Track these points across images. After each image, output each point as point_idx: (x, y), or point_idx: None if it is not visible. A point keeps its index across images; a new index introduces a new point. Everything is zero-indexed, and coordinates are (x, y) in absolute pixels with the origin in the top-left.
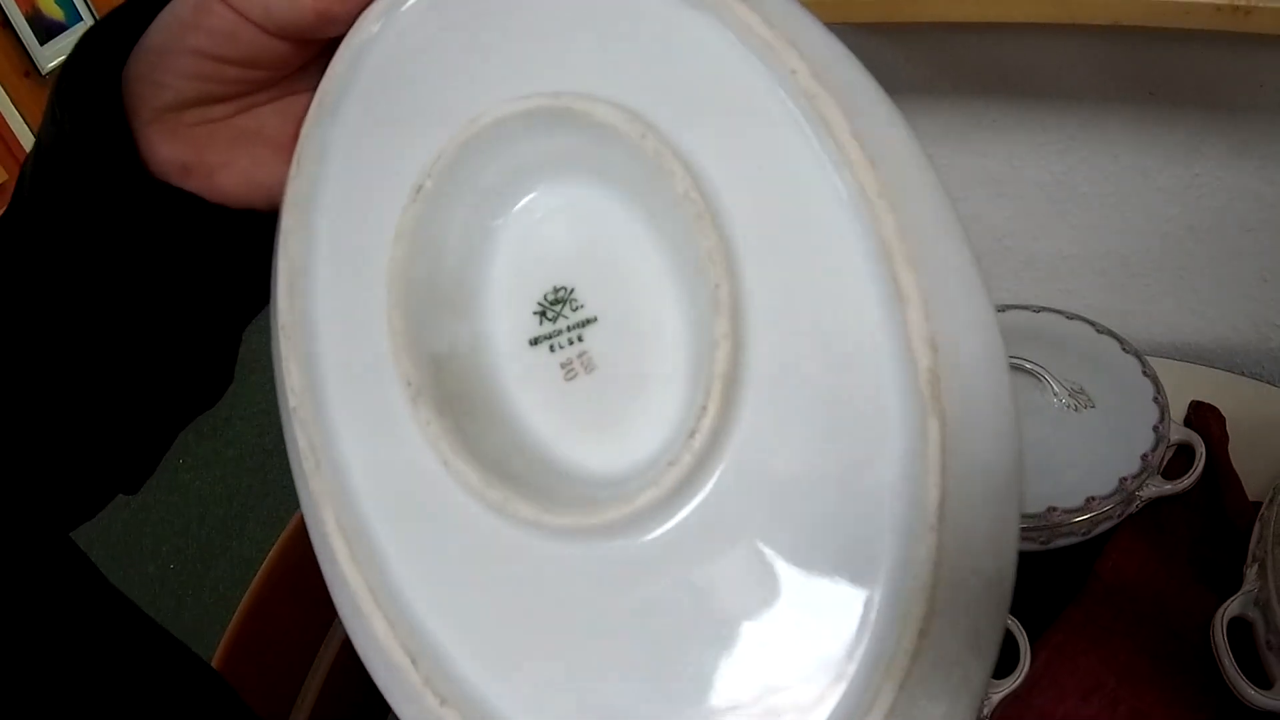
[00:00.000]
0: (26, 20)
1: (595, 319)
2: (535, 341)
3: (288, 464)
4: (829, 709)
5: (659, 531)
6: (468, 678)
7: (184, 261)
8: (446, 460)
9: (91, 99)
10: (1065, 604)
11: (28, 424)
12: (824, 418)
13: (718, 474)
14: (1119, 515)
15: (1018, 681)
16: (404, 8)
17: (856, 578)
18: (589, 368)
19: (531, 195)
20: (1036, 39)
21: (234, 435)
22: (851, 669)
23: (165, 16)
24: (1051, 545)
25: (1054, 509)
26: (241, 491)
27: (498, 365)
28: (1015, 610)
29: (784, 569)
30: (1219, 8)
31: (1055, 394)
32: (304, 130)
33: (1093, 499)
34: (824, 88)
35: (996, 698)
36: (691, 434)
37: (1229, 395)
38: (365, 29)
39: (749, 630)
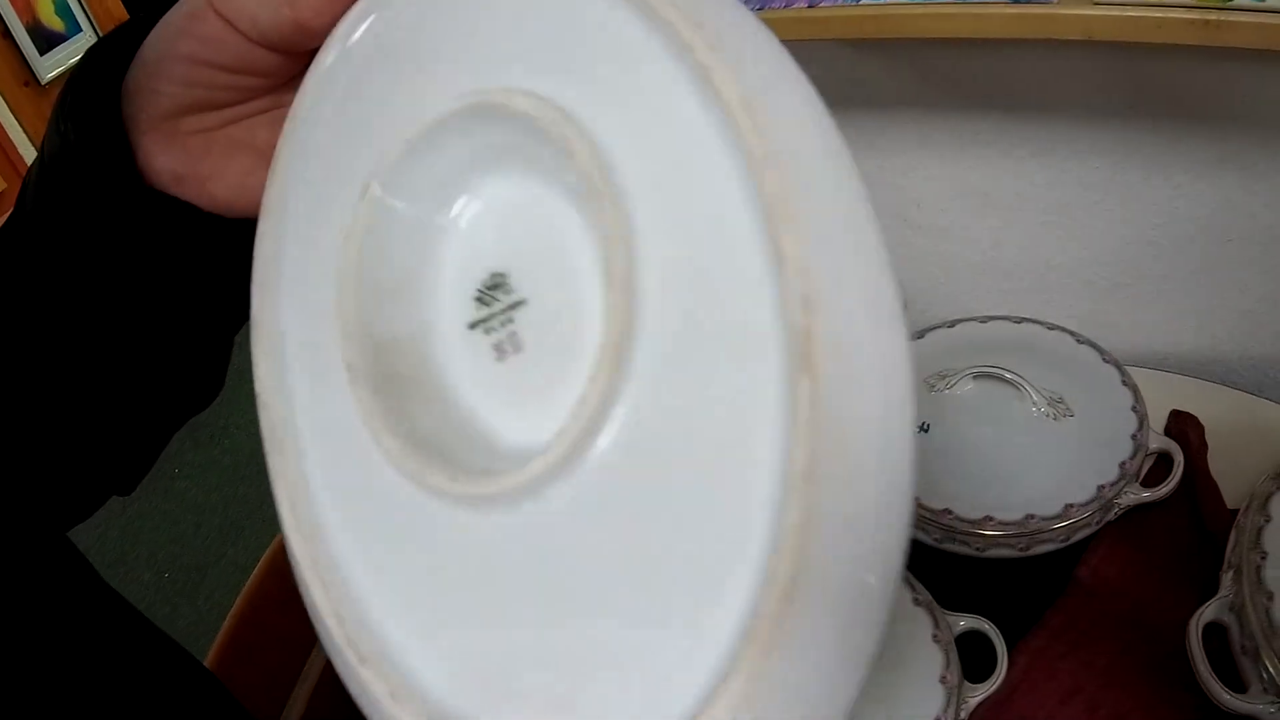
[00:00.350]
0: (27, 30)
1: (525, 301)
2: (473, 325)
3: None
4: (694, 673)
5: (554, 499)
6: (387, 638)
7: (179, 267)
8: (376, 435)
9: (93, 110)
10: (1044, 610)
11: (24, 425)
12: (708, 382)
13: (605, 442)
14: (1097, 522)
15: (995, 686)
16: (354, 37)
17: (729, 541)
18: (517, 347)
19: (473, 188)
20: (1015, 54)
21: (230, 444)
22: (715, 633)
23: (161, 27)
24: (1030, 552)
25: (1032, 516)
26: (237, 499)
27: (439, 349)
28: (994, 615)
29: (663, 534)
30: (1190, 22)
31: (1034, 403)
32: (279, 142)
33: (1071, 506)
34: (720, 59)
35: (974, 701)
36: (581, 403)
37: (1209, 404)
38: (325, 54)
39: (628, 595)
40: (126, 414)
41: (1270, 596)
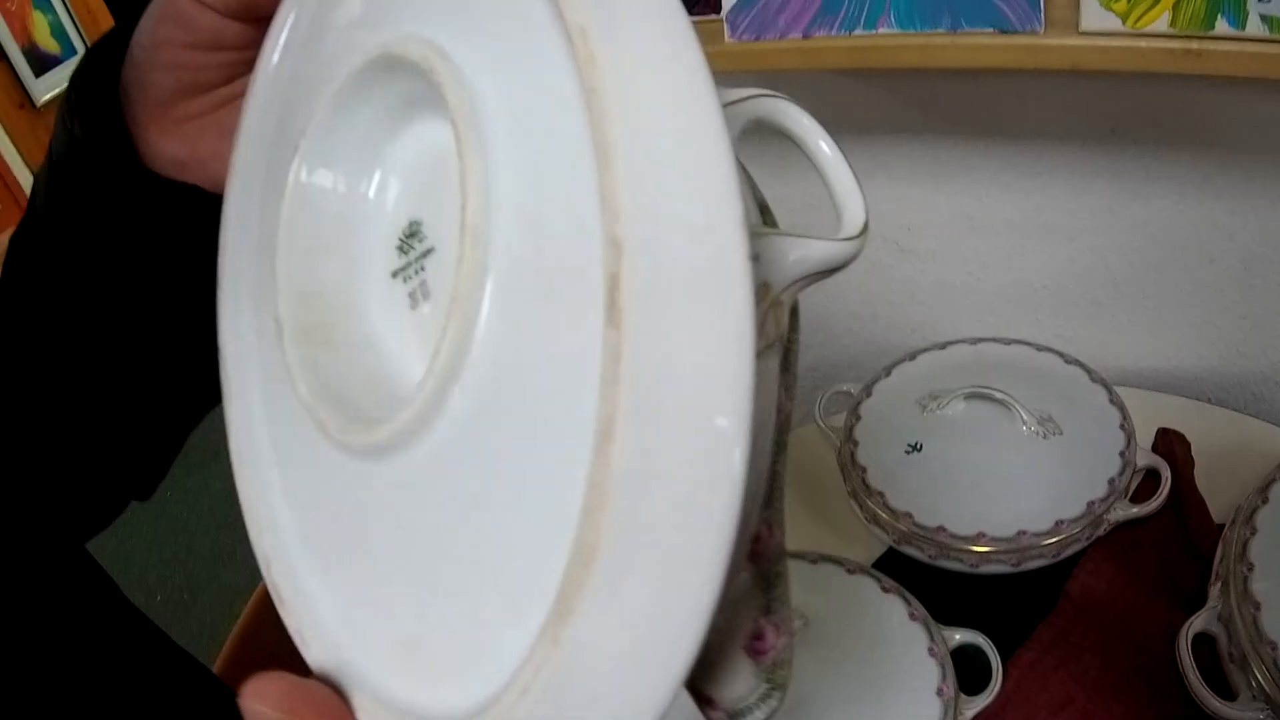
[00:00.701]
0: (23, 52)
1: (434, 249)
2: (394, 274)
3: None
4: (511, 636)
5: (416, 452)
6: (301, 580)
7: (192, 251)
8: (293, 382)
9: (96, 105)
10: (1036, 623)
11: (47, 431)
12: (546, 335)
13: (456, 397)
14: (1088, 538)
15: (990, 698)
16: (288, 25)
17: (547, 504)
18: (426, 295)
19: (396, 137)
20: (1003, 83)
21: (221, 469)
22: (529, 598)
23: (144, 20)
24: (1022, 567)
25: (1024, 532)
26: (228, 524)
27: (363, 299)
28: (988, 629)
29: (499, 494)
30: (1172, 51)
31: (1024, 422)
32: (243, 105)
33: (1062, 522)
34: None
35: (970, 713)
36: (434, 356)
37: (1195, 421)
38: (273, 33)
39: (469, 553)
40: (146, 409)
41: (1257, 606)
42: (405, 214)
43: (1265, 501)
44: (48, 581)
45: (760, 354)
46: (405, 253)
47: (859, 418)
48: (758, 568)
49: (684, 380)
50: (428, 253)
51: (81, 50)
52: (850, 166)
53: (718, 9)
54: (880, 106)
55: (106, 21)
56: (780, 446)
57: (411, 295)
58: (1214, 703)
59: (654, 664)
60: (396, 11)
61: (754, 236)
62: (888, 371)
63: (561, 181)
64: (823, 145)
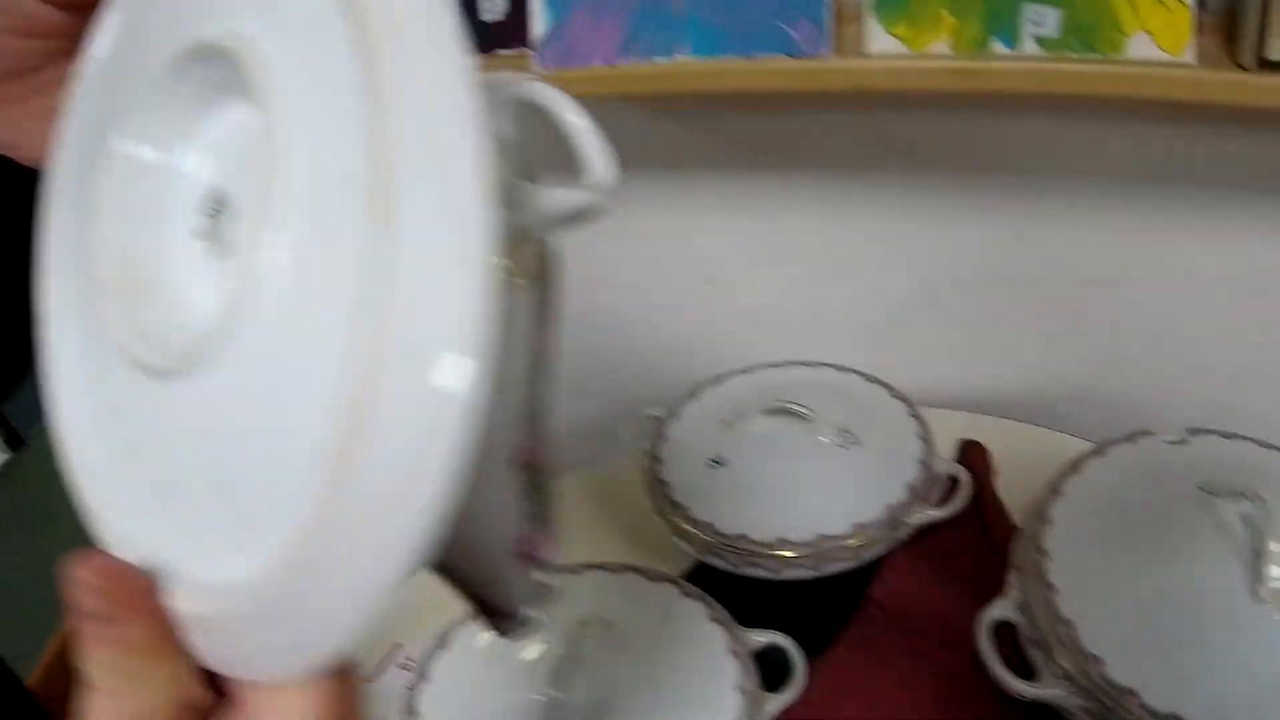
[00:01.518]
0: None
1: (238, 215)
2: (199, 236)
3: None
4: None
5: (207, 373)
6: (109, 494)
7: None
8: (111, 331)
9: None
10: (842, 626)
11: None
12: (313, 266)
13: (243, 326)
14: (888, 540)
15: (794, 694)
16: (115, 19)
17: (319, 391)
18: (229, 255)
19: (205, 120)
20: (802, 117)
21: None
22: (303, 462)
23: None
24: (824, 571)
25: (823, 535)
26: None
27: (174, 258)
28: (798, 634)
29: (275, 391)
30: (951, 70)
31: (823, 433)
32: (68, 97)
33: (860, 525)
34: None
35: (774, 709)
36: (222, 294)
37: (999, 437)
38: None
39: (247, 442)
40: None
41: (1052, 589)
42: (212, 185)
43: (1057, 494)
44: None
45: (515, 286)
46: (211, 217)
47: (664, 438)
48: (527, 476)
49: (442, 271)
50: (231, 218)
51: None
52: (599, 134)
53: (526, 42)
54: (686, 142)
55: None
56: (539, 373)
57: (217, 255)
58: (1016, 684)
59: (410, 508)
60: (213, 6)
61: (511, 187)
62: (693, 395)
63: (341, 144)
64: (569, 116)
